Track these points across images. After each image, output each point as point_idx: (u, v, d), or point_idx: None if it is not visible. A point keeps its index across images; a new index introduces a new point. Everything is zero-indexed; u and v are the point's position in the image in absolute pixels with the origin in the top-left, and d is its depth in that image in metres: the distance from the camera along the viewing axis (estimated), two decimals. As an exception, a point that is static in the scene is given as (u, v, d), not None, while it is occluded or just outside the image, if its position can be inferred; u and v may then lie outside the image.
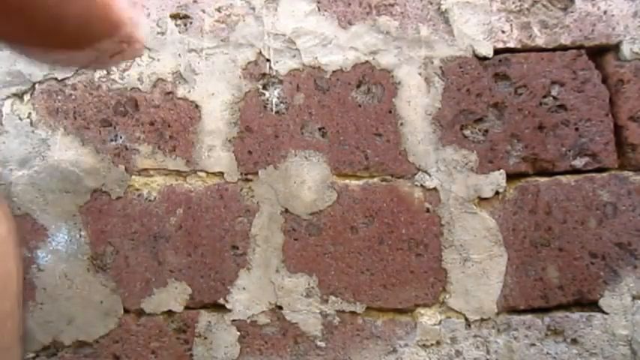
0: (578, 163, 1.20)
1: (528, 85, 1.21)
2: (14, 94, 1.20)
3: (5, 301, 0.56)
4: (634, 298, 1.18)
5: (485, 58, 1.21)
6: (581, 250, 1.18)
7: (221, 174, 1.18)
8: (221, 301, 1.16)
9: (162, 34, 1.21)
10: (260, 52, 1.21)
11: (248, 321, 1.16)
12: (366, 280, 1.17)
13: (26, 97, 1.20)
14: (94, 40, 0.59)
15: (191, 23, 1.22)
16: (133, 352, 1.15)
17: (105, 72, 1.20)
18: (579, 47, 1.22)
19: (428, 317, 1.17)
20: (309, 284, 1.17)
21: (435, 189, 1.19)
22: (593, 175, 1.20)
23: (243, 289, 1.16)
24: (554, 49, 1.22)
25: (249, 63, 1.20)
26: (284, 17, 1.22)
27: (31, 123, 1.19)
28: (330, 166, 1.18)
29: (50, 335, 1.16)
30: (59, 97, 1.20)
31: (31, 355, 1.15)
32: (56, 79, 1.20)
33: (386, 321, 1.17)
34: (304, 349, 1.16)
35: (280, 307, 1.17)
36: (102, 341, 1.15)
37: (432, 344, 1.17)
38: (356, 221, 1.18)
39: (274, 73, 1.20)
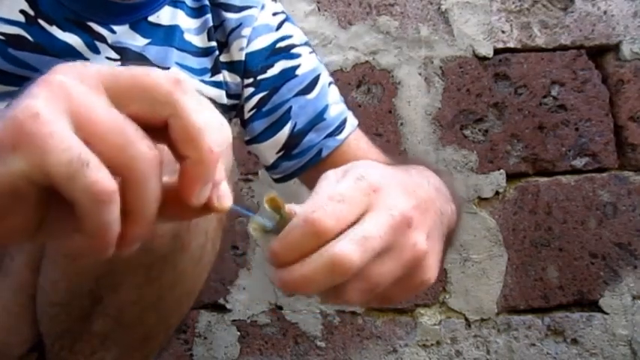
0: (578, 163, 1.20)
1: (528, 85, 1.21)
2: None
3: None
4: (634, 298, 1.18)
5: (485, 58, 1.21)
6: (581, 250, 1.18)
7: (221, 174, 1.18)
8: (221, 301, 1.16)
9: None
10: (260, 52, 1.21)
11: (248, 321, 1.16)
12: (366, 280, 1.17)
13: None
14: None
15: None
16: (133, 352, 1.15)
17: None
18: (579, 47, 1.22)
19: (428, 317, 1.17)
20: (309, 284, 1.17)
21: (435, 189, 1.18)
22: (593, 175, 1.20)
23: (243, 289, 1.16)
24: (554, 49, 1.22)
25: (249, 63, 1.20)
26: (284, 17, 1.22)
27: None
28: (330, 166, 1.18)
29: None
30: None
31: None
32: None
33: (386, 321, 1.17)
34: (304, 349, 1.16)
35: (280, 307, 1.16)
36: (102, 341, 1.15)
37: (432, 344, 1.17)
38: (356, 221, 1.17)
39: (274, 73, 1.20)
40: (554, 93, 1.21)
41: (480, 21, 1.22)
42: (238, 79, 0.73)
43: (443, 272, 1.17)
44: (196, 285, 0.59)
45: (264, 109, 0.73)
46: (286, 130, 0.72)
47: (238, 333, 1.16)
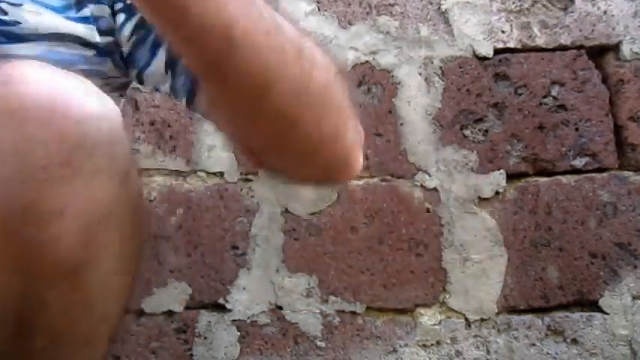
0: (578, 163, 1.20)
1: (528, 85, 1.21)
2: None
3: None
4: (634, 298, 1.18)
5: (485, 58, 1.21)
6: (581, 250, 1.18)
7: (221, 174, 1.18)
8: (221, 301, 1.16)
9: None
10: (260, 52, 1.21)
11: (248, 321, 1.16)
12: (366, 280, 1.17)
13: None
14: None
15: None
16: (132, 352, 1.15)
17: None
18: (579, 47, 1.22)
19: (428, 317, 1.17)
20: (309, 284, 1.17)
21: (435, 189, 1.19)
22: (593, 175, 1.20)
23: (243, 289, 1.16)
24: (554, 49, 1.22)
25: (249, 63, 1.20)
26: (284, 17, 1.22)
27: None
28: (330, 166, 1.18)
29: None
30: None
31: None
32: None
33: (386, 321, 1.17)
34: (304, 349, 1.16)
35: (280, 307, 1.16)
36: (102, 341, 1.15)
37: (432, 344, 1.17)
38: (356, 221, 1.18)
39: (274, 73, 1.20)
40: (554, 93, 1.21)
41: (480, 21, 1.22)
42: (107, 9, 0.66)
43: (443, 272, 1.18)
44: (126, 279, 0.57)
45: (143, 33, 0.66)
46: (164, 47, 0.65)
47: (238, 333, 1.16)
